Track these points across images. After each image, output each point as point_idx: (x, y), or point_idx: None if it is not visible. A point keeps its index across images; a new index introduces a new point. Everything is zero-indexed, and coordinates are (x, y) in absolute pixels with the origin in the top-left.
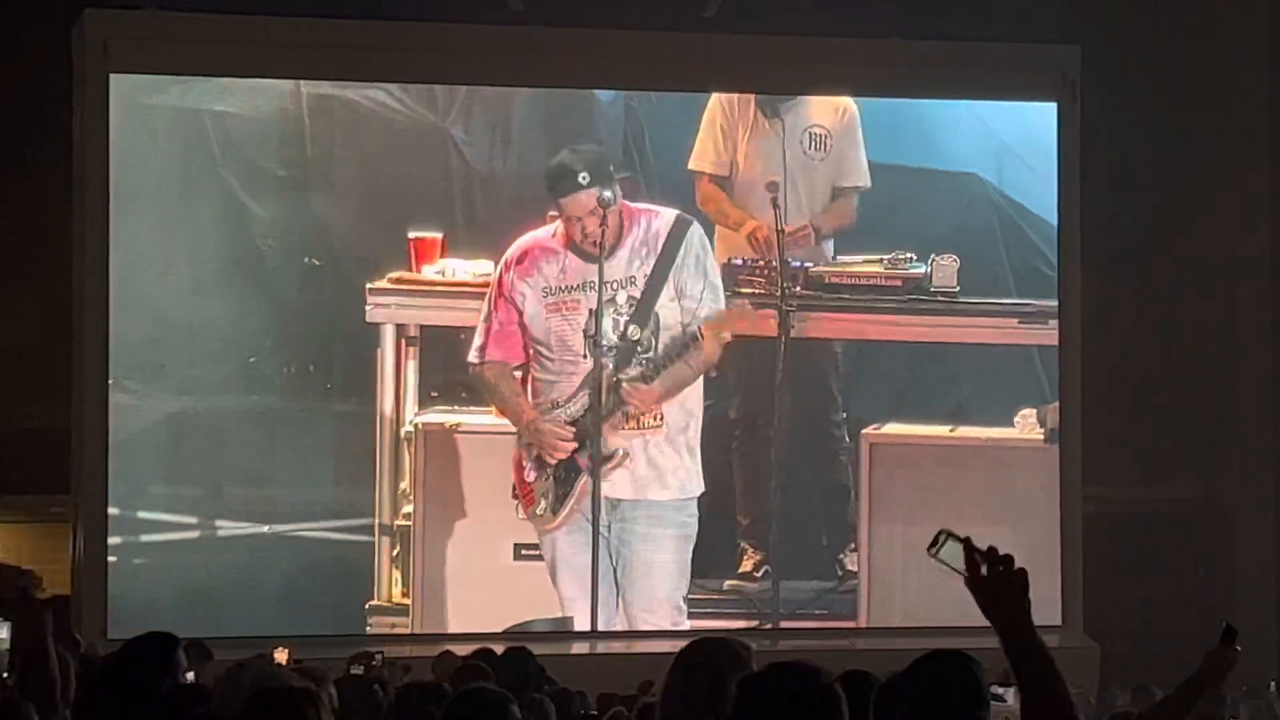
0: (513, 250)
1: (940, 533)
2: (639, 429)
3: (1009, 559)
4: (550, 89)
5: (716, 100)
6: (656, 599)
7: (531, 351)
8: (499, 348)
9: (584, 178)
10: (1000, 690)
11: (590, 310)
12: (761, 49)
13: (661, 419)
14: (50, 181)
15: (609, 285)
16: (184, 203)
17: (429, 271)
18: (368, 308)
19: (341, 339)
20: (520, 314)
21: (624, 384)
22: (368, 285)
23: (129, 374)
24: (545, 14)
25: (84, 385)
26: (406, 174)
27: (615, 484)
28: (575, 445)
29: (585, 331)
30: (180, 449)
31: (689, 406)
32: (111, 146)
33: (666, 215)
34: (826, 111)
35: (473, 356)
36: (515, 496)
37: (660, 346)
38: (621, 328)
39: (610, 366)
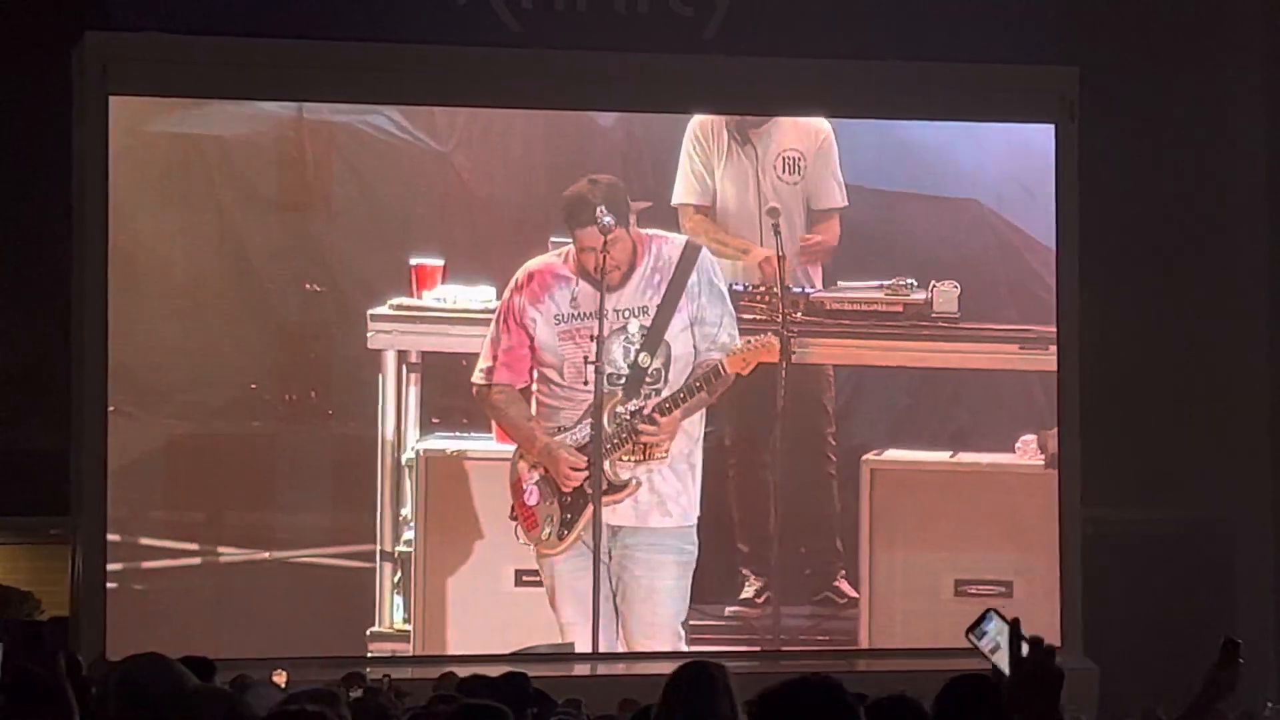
0: (522, 273)
1: (986, 611)
2: (645, 459)
3: (1053, 650)
4: (550, 114)
5: (690, 131)
6: (657, 625)
7: (538, 374)
8: (508, 370)
9: (602, 211)
10: None
11: (593, 336)
12: (759, 71)
13: (667, 452)
14: (50, 203)
15: (620, 314)
16: (184, 228)
17: (430, 298)
18: (369, 334)
19: (343, 365)
20: (531, 339)
21: (641, 418)
22: (369, 311)
23: (129, 399)
24: (544, 36)
25: (83, 408)
26: (407, 200)
27: (617, 510)
28: (586, 474)
29: (586, 358)
30: (180, 474)
31: (691, 433)
32: (111, 171)
33: (676, 241)
34: (800, 135)
35: (478, 378)
36: (513, 519)
37: (671, 375)
38: (632, 356)
39: (620, 394)
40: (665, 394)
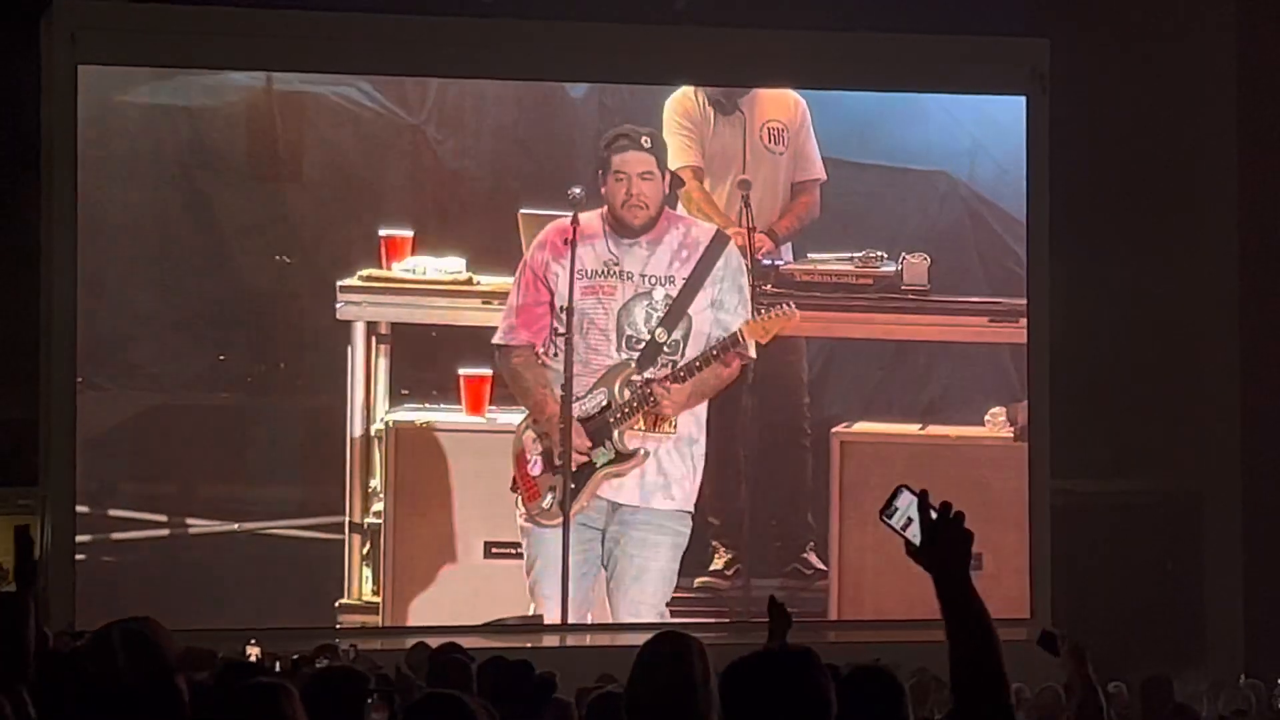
0: (547, 231)
1: (897, 489)
2: (654, 431)
3: (961, 515)
4: (521, 86)
5: (674, 104)
6: (643, 604)
7: (554, 341)
8: (527, 330)
9: (646, 141)
10: None
11: (621, 306)
12: (730, 42)
13: (675, 425)
14: (19, 174)
15: (647, 279)
16: (154, 199)
17: (400, 269)
18: (338, 305)
19: (312, 336)
20: (551, 294)
21: (654, 383)
22: (338, 283)
23: (98, 371)
24: (516, 7)
25: (51, 380)
26: (378, 171)
27: (623, 488)
28: (588, 450)
29: (558, 334)
30: (149, 446)
31: (702, 419)
32: (81, 142)
33: (706, 226)
34: (781, 106)
35: (500, 338)
36: (515, 489)
37: (689, 349)
38: (654, 323)
39: (633, 366)
40: (681, 364)
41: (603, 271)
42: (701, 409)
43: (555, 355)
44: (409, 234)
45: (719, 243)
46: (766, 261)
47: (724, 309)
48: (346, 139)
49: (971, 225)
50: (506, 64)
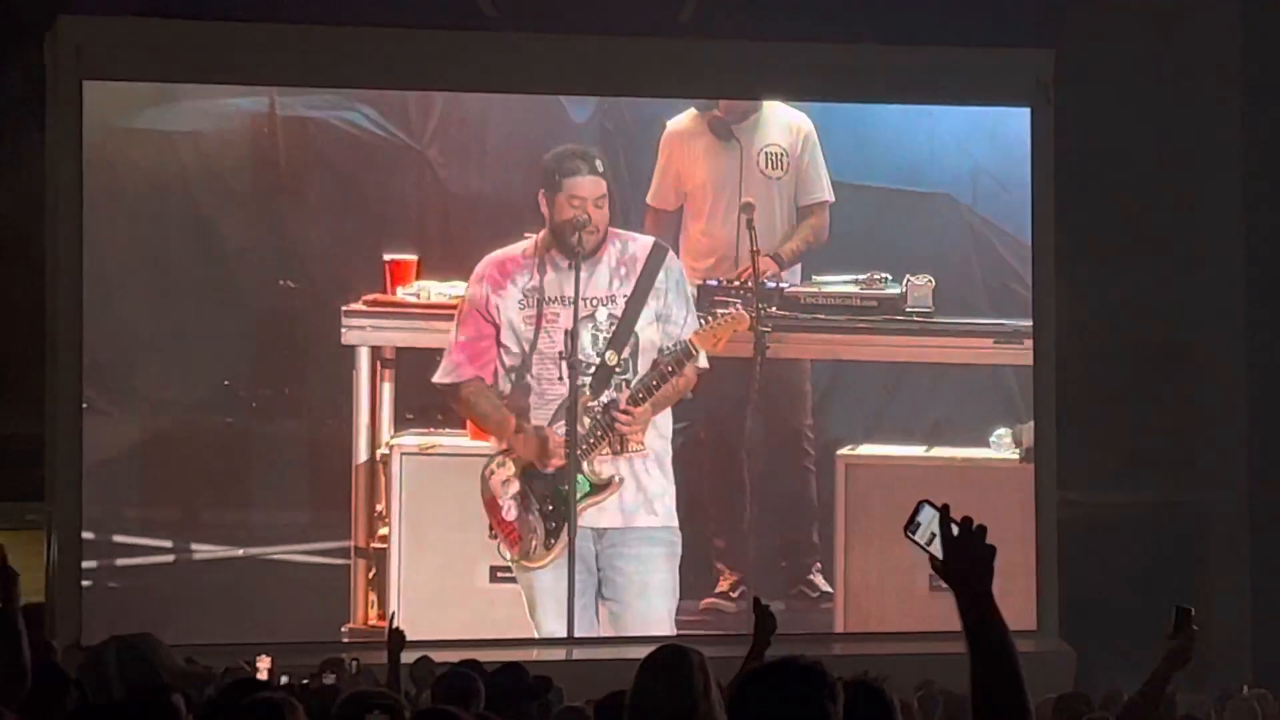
0: (482, 266)
1: (919, 504)
2: (625, 453)
3: (983, 529)
4: (523, 110)
5: (667, 134)
6: (652, 618)
7: (504, 371)
8: (472, 365)
9: (599, 164)
10: None
11: (566, 331)
12: (733, 55)
13: (643, 443)
14: (24, 192)
15: (587, 302)
16: (157, 225)
17: (404, 294)
18: (343, 330)
19: (317, 361)
20: (497, 329)
21: (614, 408)
22: (343, 307)
23: (102, 395)
24: (519, 20)
25: (56, 403)
26: (381, 195)
27: (605, 512)
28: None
29: (561, 353)
30: (154, 471)
31: (664, 431)
32: (85, 165)
33: (643, 240)
34: (782, 130)
35: (447, 377)
36: (493, 537)
37: (640, 365)
38: (600, 344)
39: (587, 392)
40: (635, 383)
41: (544, 299)
42: (666, 425)
43: (512, 392)
44: (413, 258)
45: (658, 255)
46: (771, 284)
47: (671, 321)
48: (350, 163)
49: (975, 246)
50: (509, 78)
